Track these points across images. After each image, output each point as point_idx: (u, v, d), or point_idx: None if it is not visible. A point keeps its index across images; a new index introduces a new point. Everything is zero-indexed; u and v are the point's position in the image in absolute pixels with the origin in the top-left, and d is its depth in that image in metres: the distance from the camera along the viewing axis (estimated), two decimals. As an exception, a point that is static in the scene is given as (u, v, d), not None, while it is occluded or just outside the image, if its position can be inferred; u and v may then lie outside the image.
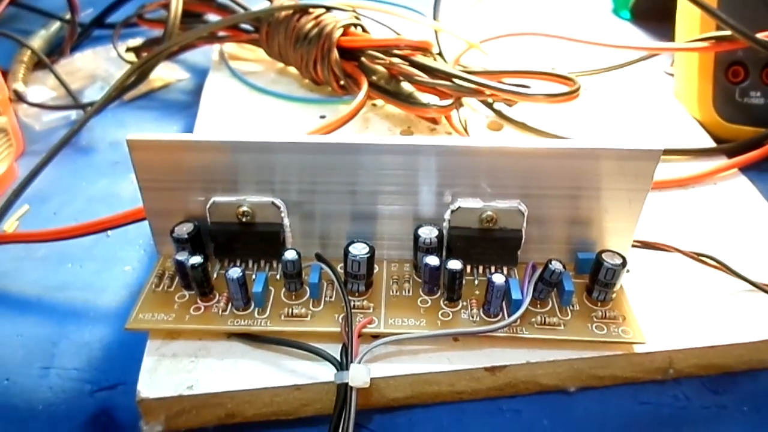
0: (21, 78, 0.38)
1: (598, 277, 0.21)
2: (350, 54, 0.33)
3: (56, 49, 0.44)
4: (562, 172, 0.21)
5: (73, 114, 0.38)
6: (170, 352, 0.21)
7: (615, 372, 0.22)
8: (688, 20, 0.34)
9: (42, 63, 0.40)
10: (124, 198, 0.32)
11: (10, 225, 0.30)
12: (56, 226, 0.28)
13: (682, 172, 0.30)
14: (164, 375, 0.21)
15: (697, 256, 0.24)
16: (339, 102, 0.35)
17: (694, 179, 0.30)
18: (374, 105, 0.35)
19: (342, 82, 0.34)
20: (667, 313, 0.23)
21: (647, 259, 0.24)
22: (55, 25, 0.46)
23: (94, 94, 0.39)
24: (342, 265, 0.22)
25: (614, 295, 0.22)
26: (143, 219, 0.25)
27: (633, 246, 0.23)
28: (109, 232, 0.29)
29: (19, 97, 0.37)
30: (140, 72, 0.34)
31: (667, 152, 0.31)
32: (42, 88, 0.39)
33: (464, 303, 0.22)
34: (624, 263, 0.21)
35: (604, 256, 0.21)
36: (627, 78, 0.39)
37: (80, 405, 0.23)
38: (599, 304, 0.22)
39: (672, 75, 0.38)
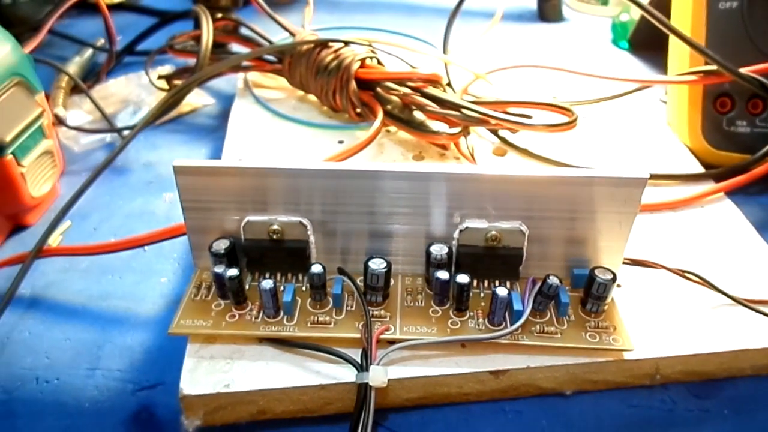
0: (61, 103, 0.41)
1: (591, 291, 0.24)
2: (367, 85, 0.36)
3: (90, 75, 0.47)
4: (560, 197, 0.24)
5: (108, 137, 0.41)
6: (208, 355, 0.24)
7: (607, 377, 0.24)
8: (679, 55, 0.37)
9: (78, 88, 0.43)
10: (159, 215, 0.34)
11: (55, 239, 0.33)
12: (96, 241, 0.31)
13: (673, 195, 0.32)
14: (203, 374, 0.23)
15: (682, 273, 0.26)
16: (356, 128, 0.38)
17: (683, 202, 0.32)
18: (388, 131, 0.38)
19: (359, 110, 0.37)
20: (654, 324, 0.25)
21: (637, 275, 0.27)
22: (88, 51, 0.49)
23: (126, 118, 0.42)
24: (362, 278, 0.25)
25: (606, 307, 0.24)
26: (177, 236, 0.28)
27: (624, 263, 0.26)
28: (146, 247, 0.32)
29: (59, 121, 0.40)
30: (175, 98, 0.37)
31: (659, 177, 0.34)
32: (79, 112, 0.42)
33: (471, 313, 0.24)
34: (614, 278, 0.24)
35: (596, 272, 0.24)
36: (624, 106, 0.42)
37: (123, 403, 0.25)
38: (592, 315, 0.24)
39: (666, 102, 0.41)
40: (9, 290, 0.28)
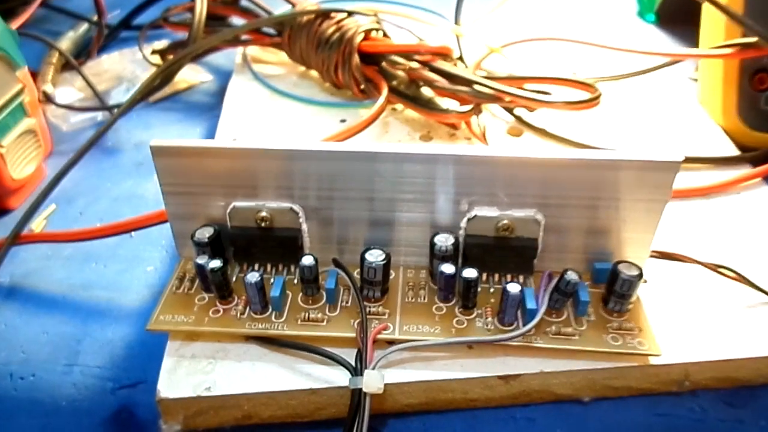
0: (50, 80, 0.39)
1: (614, 288, 0.21)
2: (371, 58, 0.34)
3: (84, 51, 0.45)
4: (580, 182, 0.21)
5: (100, 115, 0.39)
6: (189, 354, 0.22)
7: (630, 383, 0.22)
8: (713, 26, 0.34)
9: (70, 64, 0.41)
10: (149, 199, 0.32)
11: (38, 224, 0.31)
12: (82, 226, 0.29)
13: (705, 180, 0.30)
14: (183, 376, 0.21)
15: (716, 268, 0.23)
16: (359, 106, 0.35)
17: (716, 188, 0.29)
18: (394, 110, 0.35)
19: (362, 87, 0.34)
20: (684, 325, 0.22)
21: (665, 270, 0.24)
22: (83, 26, 0.47)
23: (120, 95, 0.40)
24: (359, 270, 0.22)
25: (630, 306, 0.22)
26: (166, 221, 0.26)
27: (651, 256, 0.23)
28: (133, 233, 0.30)
29: (47, 99, 0.38)
30: (166, 75, 0.35)
31: (690, 160, 0.31)
32: (70, 90, 0.40)
33: (479, 311, 0.22)
34: (640, 275, 0.21)
35: (620, 267, 0.21)
36: (650, 83, 0.39)
37: (102, 402, 0.23)
38: (615, 315, 0.22)
39: (696, 80, 0.38)
40: (-19, 279, 0.26)
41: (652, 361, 0.21)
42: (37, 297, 0.27)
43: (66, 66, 0.42)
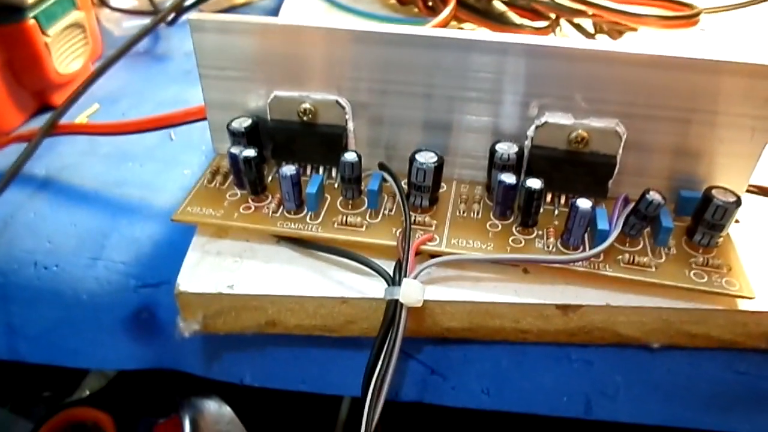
0: (106, -17, 0.38)
1: (705, 217, 0.18)
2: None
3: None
4: (674, 89, 0.18)
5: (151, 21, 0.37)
6: (215, 250, 0.20)
7: (711, 331, 0.19)
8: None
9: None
10: (193, 104, 0.30)
11: (80, 121, 0.29)
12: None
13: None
14: (206, 271, 0.19)
15: (827, 210, 0.20)
16: (424, 23, 0.32)
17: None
18: (461, 29, 0.32)
19: (430, 3, 0.31)
20: (782, 271, 0.19)
21: (763, 210, 0.21)
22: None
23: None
24: (407, 180, 0.20)
25: (720, 241, 0.19)
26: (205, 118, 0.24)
27: (747, 191, 0.20)
28: (173, 134, 0.28)
29: (102, 2, 0.36)
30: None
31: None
32: (125, -5, 0.39)
33: (540, 232, 0.19)
34: (738, 202, 0.18)
35: (714, 192, 0.18)
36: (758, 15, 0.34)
37: (123, 299, 0.22)
38: (701, 250, 0.19)
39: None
40: (13, 167, 0.25)
41: (742, 306, 0.18)
42: (70, 190, 0.26)
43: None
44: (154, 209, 0.25)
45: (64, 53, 0.30)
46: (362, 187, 0.20)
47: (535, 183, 0.18)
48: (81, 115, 0.30)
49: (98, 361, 0.23)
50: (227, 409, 0.25)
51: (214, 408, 0.25)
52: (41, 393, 0.31)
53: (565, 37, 0.31)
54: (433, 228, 0.19)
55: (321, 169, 0.21)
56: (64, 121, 0.27)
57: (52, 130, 0.26)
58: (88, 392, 0.31)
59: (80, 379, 0.31)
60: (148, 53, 0.35)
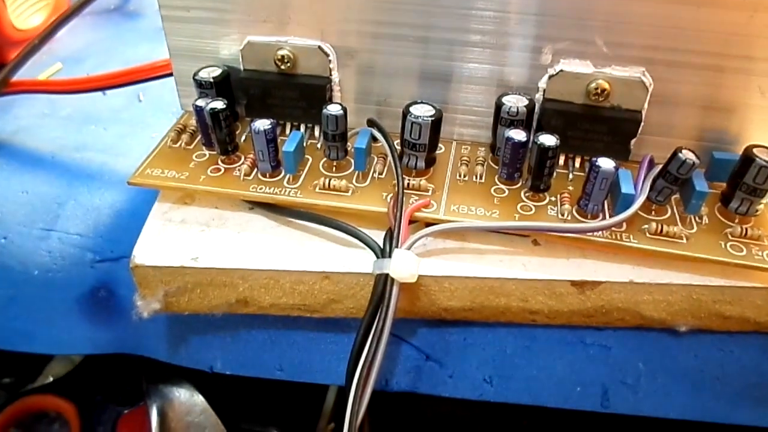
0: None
1: (744, 181, 0.16)
2: None
3: None
4: (706, 29, 0.15)
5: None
6: (179, 218, 0.17)
7: (746, 312, 0.16)
8: None
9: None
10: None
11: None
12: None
13: None
14: (168, 242, 0.17)
15: None
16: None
17: None
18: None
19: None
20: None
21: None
22: None
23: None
24: (400, 138, 0.17)
25: (760, 208, 0.16)
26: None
27: (789, 153, 0.17)
28: (142, 95, 0.25)
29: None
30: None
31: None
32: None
33: (553, 198, 0.17)
34: (785, 162, 0.15)
35: (756, 151, 0.16)
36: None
37: (79, 275, 0.20)
38: (738, 219, 0.16)
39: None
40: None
41: (785, 283, 0.16)
42: (24, 154, 0.23)
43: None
44: (116, 175, 0.22)
45: (22, 6, 0.27)
46: (348, 147, 0.17)
47: (548, 140, 0.16)
48: (41, 74, 0.27)
49: (51, 345, 0.21)
50: (199, 398, 0.22)
51: (185, 396, 0.22)
52: (0, 379, 0.29)
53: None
54: (430, 193, 0.17)
55: (302, 128, 0.19)
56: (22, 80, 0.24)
57: (2, 87, 0.23)
58: (51, 378, 0.28)
59: (44, 364, 0.29)
60: (119, 10, 0.32)
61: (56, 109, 0.25)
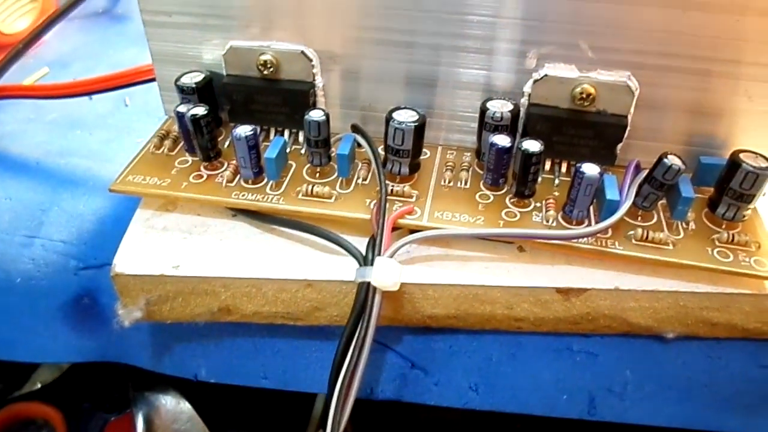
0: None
1: (731, 186, 0.16)
2: None
3: None
4: (694, 34, 0.15)
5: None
6: (161, 225, 0.17)
7: (734, 319, 0.16)
8: None
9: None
10: (152, 69, 0.28)
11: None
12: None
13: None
14: (149, 250, 0.17)
15: None
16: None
17: None
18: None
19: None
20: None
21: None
22: None
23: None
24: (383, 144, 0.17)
25: (747, 214, 0.16)
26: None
27: (777, 158, 0.17)
28: (128, 99, 0.25)
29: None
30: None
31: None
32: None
33: (538, 204, 0.17)
34: (771, 168, 0.15)
35: (743, 156, 0.15)
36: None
37: (62, 282, 0.19)
38: (725, 225, 0.16)
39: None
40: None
41: (772, 289, 0.15)
42: (7, 160, 0.23)
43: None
44: (100, 181, 0.22)
45: (7, 10, 0.27)
46: (331, 153, 0.17)
47: (532, 145, 0.15)
48: (27, 78, 0.27)
49: (34, 353, 0.20)
50: (186, 405, 0.22)
51: (171, 404, 0.22)
52: (-13, 386, 0.29)
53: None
54: (414, 199, 0.17)
55: (287, 133, 0.19)
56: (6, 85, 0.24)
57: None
58: (39, 385, 0.28)
59: (31, 371, 0.29)
60: (107, 13, 0.32)
61: (42, 114, 0.25)
